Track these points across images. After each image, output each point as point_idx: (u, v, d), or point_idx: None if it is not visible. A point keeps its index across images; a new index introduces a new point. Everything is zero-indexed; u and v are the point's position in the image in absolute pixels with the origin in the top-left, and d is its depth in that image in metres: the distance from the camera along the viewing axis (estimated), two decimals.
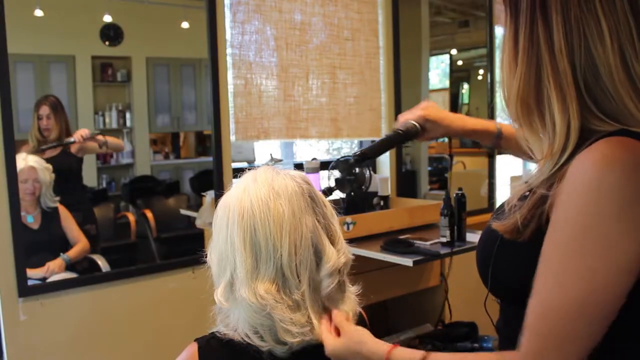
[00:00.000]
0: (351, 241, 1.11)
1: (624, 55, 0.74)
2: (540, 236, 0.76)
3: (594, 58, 0.75)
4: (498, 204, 3.64)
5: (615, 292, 0.70)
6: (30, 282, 1.88)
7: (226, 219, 0.94)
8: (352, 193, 2.27)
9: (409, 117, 1.45)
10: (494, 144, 1.40)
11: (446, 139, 1.92)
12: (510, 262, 0.81)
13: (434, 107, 1.44)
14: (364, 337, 0.93)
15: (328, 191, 2.21)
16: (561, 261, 0.72)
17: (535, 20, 0.78)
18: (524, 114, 0.81)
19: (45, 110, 2.34)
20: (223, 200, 0.98)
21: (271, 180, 0.95)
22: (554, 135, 0.78)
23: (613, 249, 0.69)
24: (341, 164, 2.23)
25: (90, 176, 2.68)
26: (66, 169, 2.38)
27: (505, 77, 0.83)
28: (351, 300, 1.01)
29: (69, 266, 2.21)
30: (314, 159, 2.49)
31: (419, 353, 0.86)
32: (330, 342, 0.94)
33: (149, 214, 2.78)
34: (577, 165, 0.71)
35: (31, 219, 2.19)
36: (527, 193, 0.81)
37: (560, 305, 0.71)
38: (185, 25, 2.73)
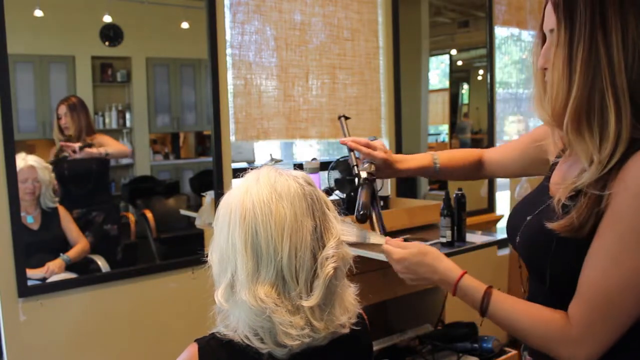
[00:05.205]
0: None
1: None
2: None
3: None
4: (498, 204, 3.59)
5: None
6: (30, 283, 1.88)
7: (228, 219, 0.93)
8: (352, 193, 2.27)
9: (366, 153, 1.32)
10: (434, 177, 1.46)
11: (447, 140, 1.92)
12: (572, 256, 0.89)
13: (385, 148, 1.37)
14: (433, 251, 1.12)
15: (328, 191, 2.21)
16: (619, 244, 0.83)
17: (595, 36, 0.85)
18: (574, 118, 0.88)
19: (62, 109, 2.44)
20: (225, 200, 0.97)
21: (273, 182, 0.94)
22: (603, 141, 0.86)
23: None
24: (341, 164, 2.22)
25: None
26: (86, 169, 2.45)
27: (555, 81, 0.89)
28: (349, 303, 1.00)
29: (69, 266, 2.21)
30: (314, 159, 2.49)
31: (482, 287, 1.01)
32: (397, 251, 1.14)
33: (149, 214, 2.78)
34: (635, 167, 0.82)
35: (31, 219, 2.19)
36: (573, 193, 0.89)
37: (613, 281, 0.83)
38: (185, 25, 2.73)
